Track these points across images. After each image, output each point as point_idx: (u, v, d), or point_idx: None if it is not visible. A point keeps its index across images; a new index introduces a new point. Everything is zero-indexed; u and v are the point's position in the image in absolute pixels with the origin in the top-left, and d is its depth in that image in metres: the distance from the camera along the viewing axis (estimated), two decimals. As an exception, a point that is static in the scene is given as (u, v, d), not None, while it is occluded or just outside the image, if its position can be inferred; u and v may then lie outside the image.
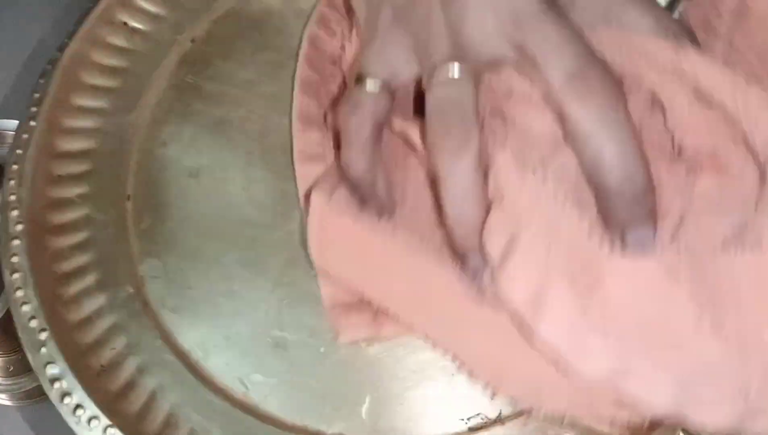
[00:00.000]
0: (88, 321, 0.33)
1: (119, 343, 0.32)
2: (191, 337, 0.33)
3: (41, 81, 0.36)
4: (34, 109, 0.35)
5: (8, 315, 0.35)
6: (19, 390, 0.42)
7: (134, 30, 0.37)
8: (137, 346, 0.32)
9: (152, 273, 0.34)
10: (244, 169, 0.36)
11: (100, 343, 0.32)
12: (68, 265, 0.34)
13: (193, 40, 0.37)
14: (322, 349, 0.33)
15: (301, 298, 0.34)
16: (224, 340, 0.32)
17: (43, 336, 0.31)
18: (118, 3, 0.36)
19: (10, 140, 0.41)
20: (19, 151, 0.34)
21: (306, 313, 0.33)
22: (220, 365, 0.32)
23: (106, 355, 0.31)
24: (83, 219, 0.35)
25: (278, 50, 0.37)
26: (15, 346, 0.41)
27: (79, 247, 0.34)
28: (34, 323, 0.31)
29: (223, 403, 0.31)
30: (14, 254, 0.32)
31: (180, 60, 0.37)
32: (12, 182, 0.34)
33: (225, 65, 0.37)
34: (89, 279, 0.34)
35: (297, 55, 0.36)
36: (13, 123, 0.41)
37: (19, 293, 0.32)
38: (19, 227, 0.33)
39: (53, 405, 0.44)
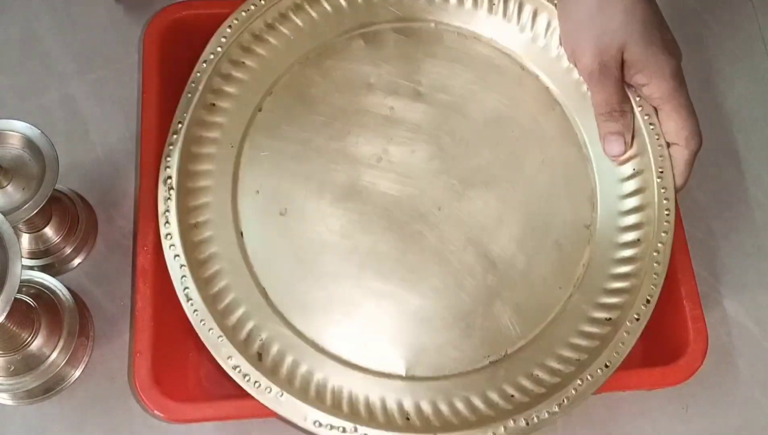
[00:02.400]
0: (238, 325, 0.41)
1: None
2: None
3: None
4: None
5: (9, 314, 0.35)
6: (20, 389, 0.42)
7: (218, 108, 0.45)
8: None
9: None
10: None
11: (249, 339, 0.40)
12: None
13: (260, 110, 0.45)
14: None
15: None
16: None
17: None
18: (207, 89, 0.44)
19: (9, 140, 0.41)
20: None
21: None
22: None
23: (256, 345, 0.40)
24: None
25: (322, 113, 0.45)
26: (16, 346, 0.42)
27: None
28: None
29: None
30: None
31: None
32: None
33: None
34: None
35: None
36: (14, 123, 0.41)
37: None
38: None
39: (53, 404, 0.44)
